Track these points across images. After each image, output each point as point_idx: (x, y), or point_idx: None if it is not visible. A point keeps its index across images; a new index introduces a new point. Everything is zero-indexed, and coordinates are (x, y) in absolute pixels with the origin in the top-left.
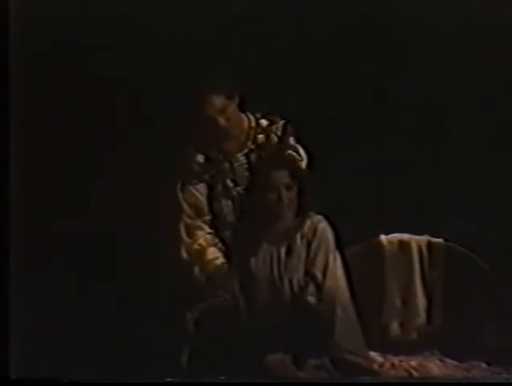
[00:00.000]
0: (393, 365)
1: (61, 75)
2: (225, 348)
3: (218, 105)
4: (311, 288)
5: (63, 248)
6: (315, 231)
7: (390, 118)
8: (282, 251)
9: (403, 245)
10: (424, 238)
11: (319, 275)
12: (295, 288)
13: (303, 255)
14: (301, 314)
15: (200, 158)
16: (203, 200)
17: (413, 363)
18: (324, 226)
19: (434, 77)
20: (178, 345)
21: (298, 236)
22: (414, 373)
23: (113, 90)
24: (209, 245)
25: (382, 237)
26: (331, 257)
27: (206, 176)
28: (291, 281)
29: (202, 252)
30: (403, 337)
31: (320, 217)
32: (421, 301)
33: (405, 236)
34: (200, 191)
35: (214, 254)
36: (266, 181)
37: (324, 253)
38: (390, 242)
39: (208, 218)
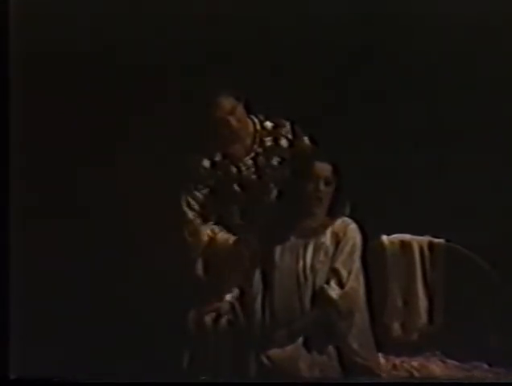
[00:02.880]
0: (394, 366)
1: (61, 75)
2: (229, 347)
3: (228, 107)
4: (334, 284)
5: (63, 248)
6: (345, 231)
7: (392, 118)
8: (310, 246)
9: (405, 246)
10: (426, 238)
11: (344, 273)
12: (318, 285)
13: (330, 253)
14: (318, 311)
15: (207, 163)
16: (208, 204)
17: (414, 363)
18: (354, 227)
19: (435, 78)
20: (179, 345)
21: (328, 234)
22: (416, 374)
23: (114, 91)
24: (217, 233)
25: (384, 237)
26: (357, 259)
27: (212, 181)
28: (314, 278)
29: (212, 240)
30: (405, 337)
31: (349, 219)
32: (422, 301)
33: (406, 237)
34: (205, 196)
35: (224, 236)
36: (308, 171)
37: (351, 254)
38: (392, 242)
39: (213, 221)
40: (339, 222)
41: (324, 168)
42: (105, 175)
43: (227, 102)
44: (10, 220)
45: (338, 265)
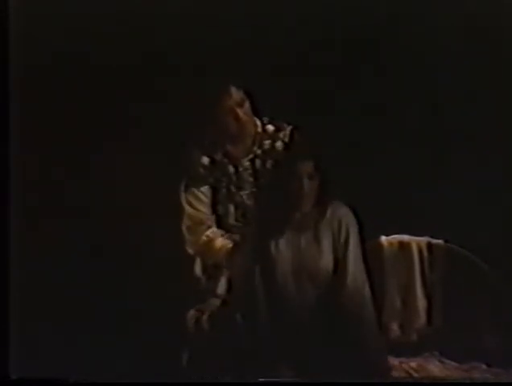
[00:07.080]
0: (393, 366)
1: (62, 75)
2: (229, 346)
3: (238, 98)
4: (339, 280)
5: (63, 247)
6: (340, 221)
7: (391, 119)
8: (303, 239)
9: (403, 246)
10: (424, 239)
11: (345, 265)
12: (315, 278)
13: (326, 244)
14: (320, 308)
15: (205, 161)
16: (207, 202)
17: (413, 364)
18: (345, 211)
19: (435, 79)
20: (178, 345)
21: (321, 225)
22: (415, 374)
23: (115, 90)
24: (217, 236)
25: (383, 238)
26: (357, 249)
27: (210, 179)
28: (310, 271)
29: (210, 242)
30: (403, 338)
31: (345, 209)
32: (421, 302)
33: (405, 237)
34: (204, 193)
35: (223, 242)
36: (291, 169)
37: (348, 244)
38: (391, 243)
39: (211, 217)
40: (329, 212)
41: (306, 165)
42: (105, 172)
43: (237, 93)
44: (10, 220)
45: (338, 257)
